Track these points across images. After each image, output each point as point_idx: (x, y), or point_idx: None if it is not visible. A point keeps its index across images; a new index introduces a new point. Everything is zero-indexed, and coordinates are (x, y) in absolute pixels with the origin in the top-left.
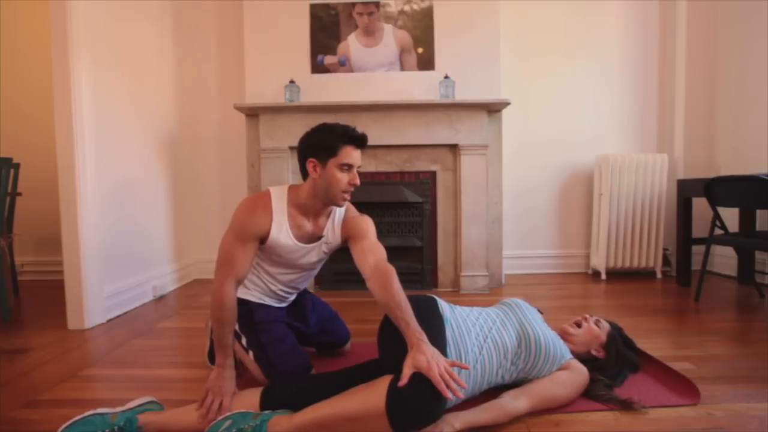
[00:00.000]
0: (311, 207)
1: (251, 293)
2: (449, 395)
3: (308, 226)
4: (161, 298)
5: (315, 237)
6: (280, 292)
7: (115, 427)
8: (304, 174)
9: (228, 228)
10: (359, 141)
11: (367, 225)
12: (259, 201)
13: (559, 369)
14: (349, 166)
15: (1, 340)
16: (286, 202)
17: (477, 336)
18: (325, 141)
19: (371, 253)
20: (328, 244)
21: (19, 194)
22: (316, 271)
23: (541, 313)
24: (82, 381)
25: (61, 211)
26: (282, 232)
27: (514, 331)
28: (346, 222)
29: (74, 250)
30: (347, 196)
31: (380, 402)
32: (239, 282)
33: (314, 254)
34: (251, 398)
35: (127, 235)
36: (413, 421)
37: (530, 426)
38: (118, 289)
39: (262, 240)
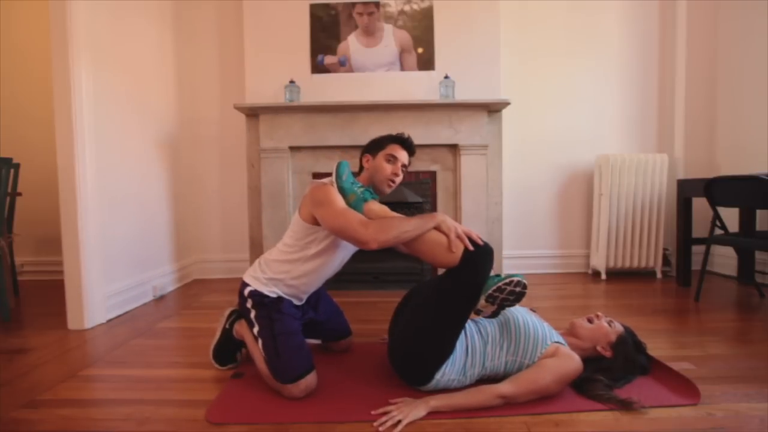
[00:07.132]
0: None
1: (273, 290)
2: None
3: None
4: (161, 298)
5: None
6: (319, 277)
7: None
8: (361, 170)
9: (323, 207)
10: (403, 141)
11: None
12: (329, 184)
13: (548, 356)
14: (394, 158)
15: (1, 340)
16: None
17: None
18: (378, 141)
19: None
20: None
21: (19, 194)
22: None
23: (534, 311)
24: (82, 381)
25: (61, 211)
26: None
27: (497, 321)
28: None
29: (74, 250)
30: (392, 184)
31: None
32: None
33: None
34: None
35: (127, 235)
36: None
37: (530, 426)
38: (119, 289)
39: None
